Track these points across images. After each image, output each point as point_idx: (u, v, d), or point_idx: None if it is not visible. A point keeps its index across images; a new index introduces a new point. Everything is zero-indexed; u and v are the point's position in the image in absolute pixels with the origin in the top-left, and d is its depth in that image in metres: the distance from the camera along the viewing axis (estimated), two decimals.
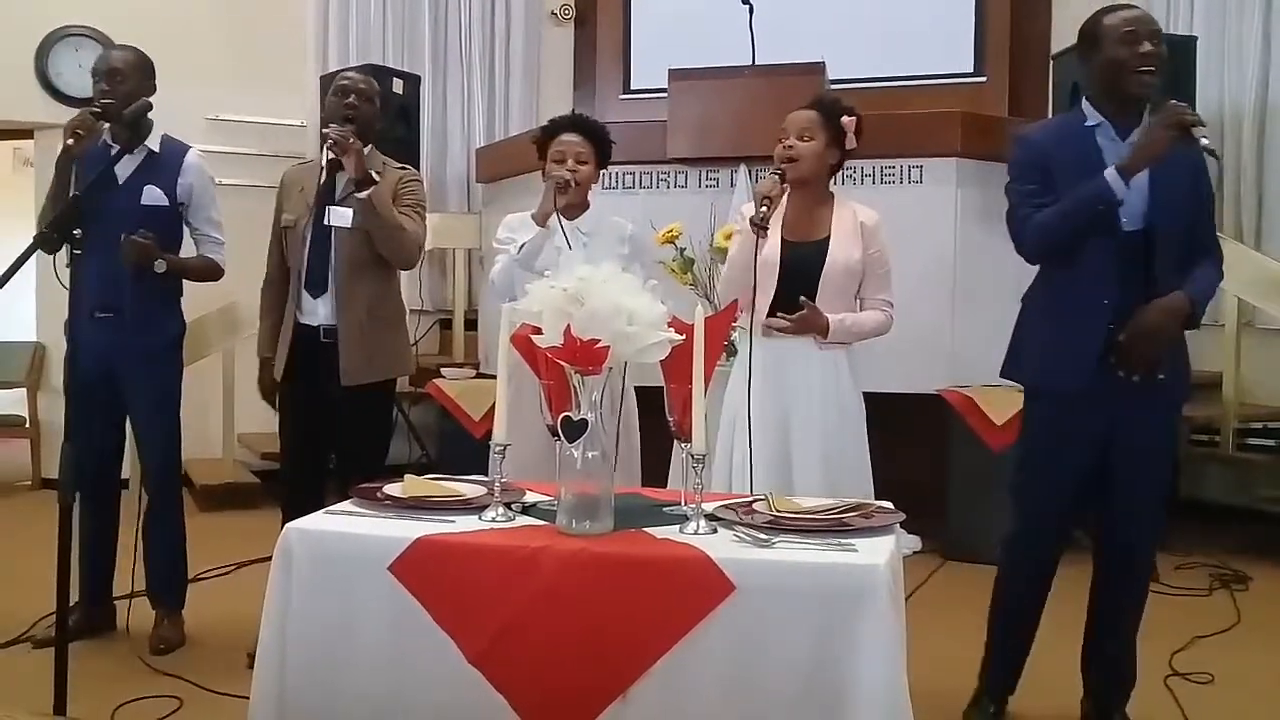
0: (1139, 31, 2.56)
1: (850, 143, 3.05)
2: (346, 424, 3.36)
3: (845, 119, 3.03)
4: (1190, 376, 2.74)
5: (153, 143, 3.36)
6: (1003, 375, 2.83)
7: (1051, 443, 2.71)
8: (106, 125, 3.26)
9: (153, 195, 3.37)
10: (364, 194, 3.20)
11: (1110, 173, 2.52)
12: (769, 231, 2.95)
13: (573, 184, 3.20)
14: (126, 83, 3.31)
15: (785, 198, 3.01)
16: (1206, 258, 2.65)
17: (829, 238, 3.01)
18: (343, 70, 3.54)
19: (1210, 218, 2.71)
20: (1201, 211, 2.65)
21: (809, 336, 2.99)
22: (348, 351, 3.29)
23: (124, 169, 3.32)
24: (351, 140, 3.19)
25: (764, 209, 2.89)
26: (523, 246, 3.16)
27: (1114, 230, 2.57)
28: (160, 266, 3.30)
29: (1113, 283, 2.59)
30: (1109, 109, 2.62)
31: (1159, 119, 2.52)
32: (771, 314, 3.00)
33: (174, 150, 3.43)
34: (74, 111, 3.33)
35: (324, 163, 3.38)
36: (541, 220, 3.18)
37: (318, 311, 3.33)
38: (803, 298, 2.95)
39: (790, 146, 3.00)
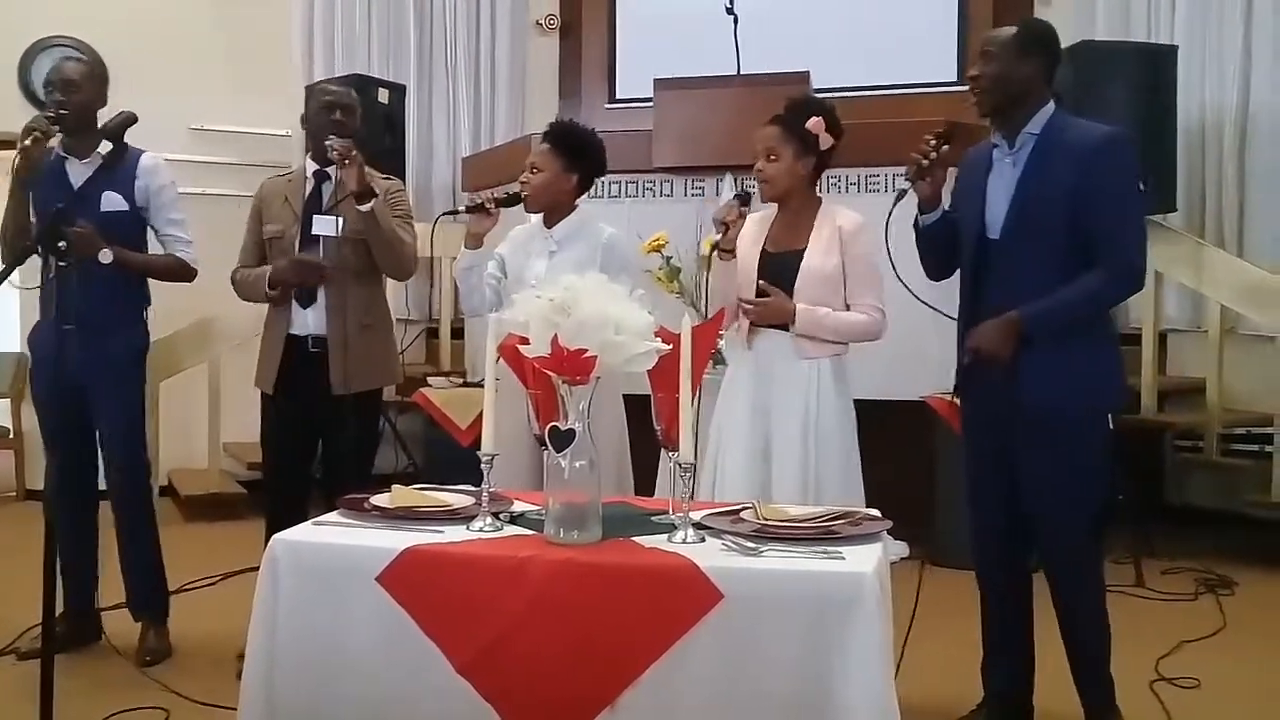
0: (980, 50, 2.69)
1: (825, 142, 2.98)
2: (333, 433, 3.35)
3: (811, 122, 2.95)
4: (1096, 395, 2.66)
5: (104, 149, 3.32)
6: None
7: (967, 451, 2.82)
8: (59, 134, 3.27)
9: (111, 201, 3.35)
10: (366, 207, 3.20)
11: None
12: (745, 246, 2.98)
13: (491, 206, 3.22)
14: (80, 92, 3.33)
15: (750, 216, 3.01)
16: (1101, 263, 2.56)
17: (806, 247, 3.01)
18: (322, 82, 3.53)
19: (1116, 215, 2.56)
20: (1092, 210, 2.55)
21: (788, 336, 2.97)
22: (336, 361, 3.29)
23: (79, 177, 3.32)
24: (355, 153, 3.20)
25: (722, 234, 2.92)
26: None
27: (973, 240, 2.67)
28: (106, 256, 3.23)
29: (968, 292, 2.71)
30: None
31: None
32: (752, 326, 3.00)
33: (128, 154, 3.35)
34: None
35: (309, 173, 3.38)
36: (468, 242, 3.23)
37: (307, 322, 3.33)
38: (763, 284, 2.94)
39: (759, 169, 2.99)
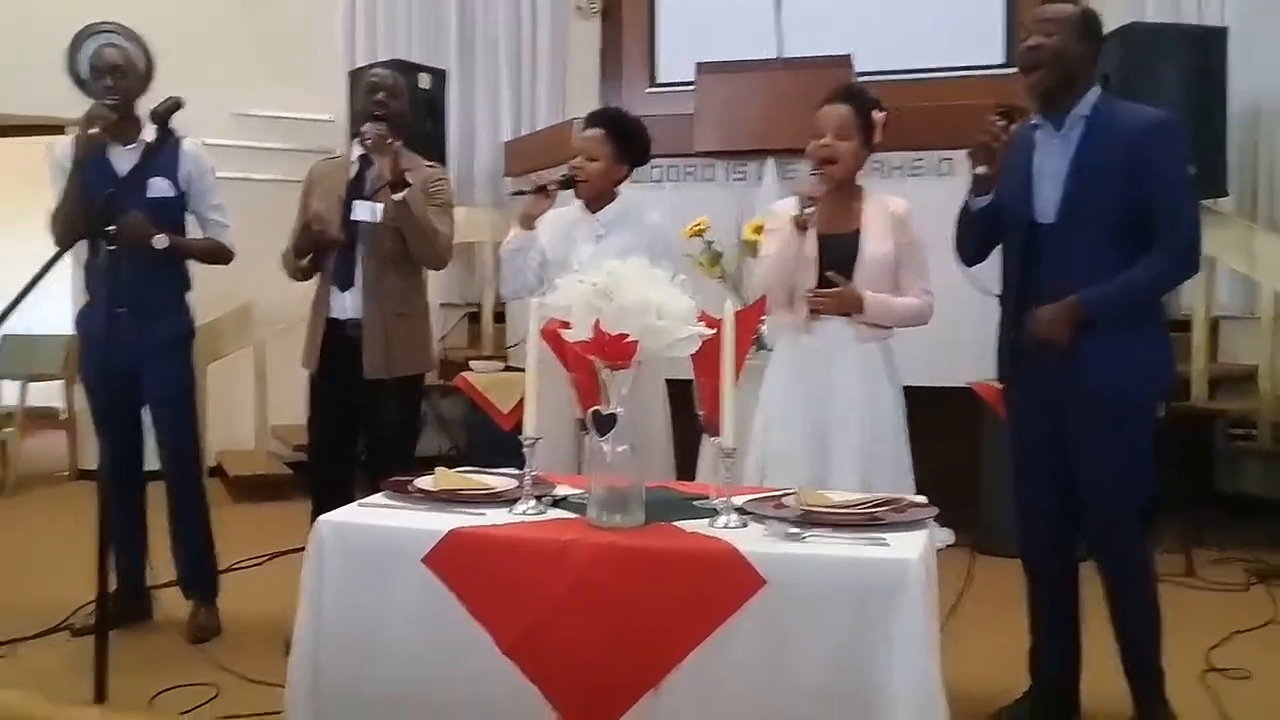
0: (1026, 26, 2.64)
1: (878, 137, 3.01)
2: (372, 418, 3.38)
3: (877, 114, 2.98)
4: (1154, 381, 2.64)
5: (148, 135, 3.35)
6: None
7: (1016, 436, 2.79)
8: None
9: (159, 187, 3.40)
10: (399, 196, 3.21)
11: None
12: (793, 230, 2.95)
13: (558, 184, 3.23)
14: (127, 78, 3.39)
15: (790, 201, 3.00)
16: (1160, 245, 2.52)
17: (860, 230, 2.99)
18: (371, 66, 3.56)
19: (1171, 198, 2.52)
20: (1147, 193, 2.51)
21: (847, 321, 2.96)
22: (370, 346, 3.31)
23: (124, 164, 3.35)
24: (389, 141, 3.22)
25: (810, 209, 2.87)
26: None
27: (1021, 225, 2.64)
28: (161, 242, 3.31)
29: (1014, 278, 2.68)
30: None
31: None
32: (813, 314, 2.99)
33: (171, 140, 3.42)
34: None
35: (354, 158, 3.40)
36: (521, 221, 3.25)
37: (345, 306, 3.36)
38: (832, 274, 2.91)
39: (828, 145, 2.95)
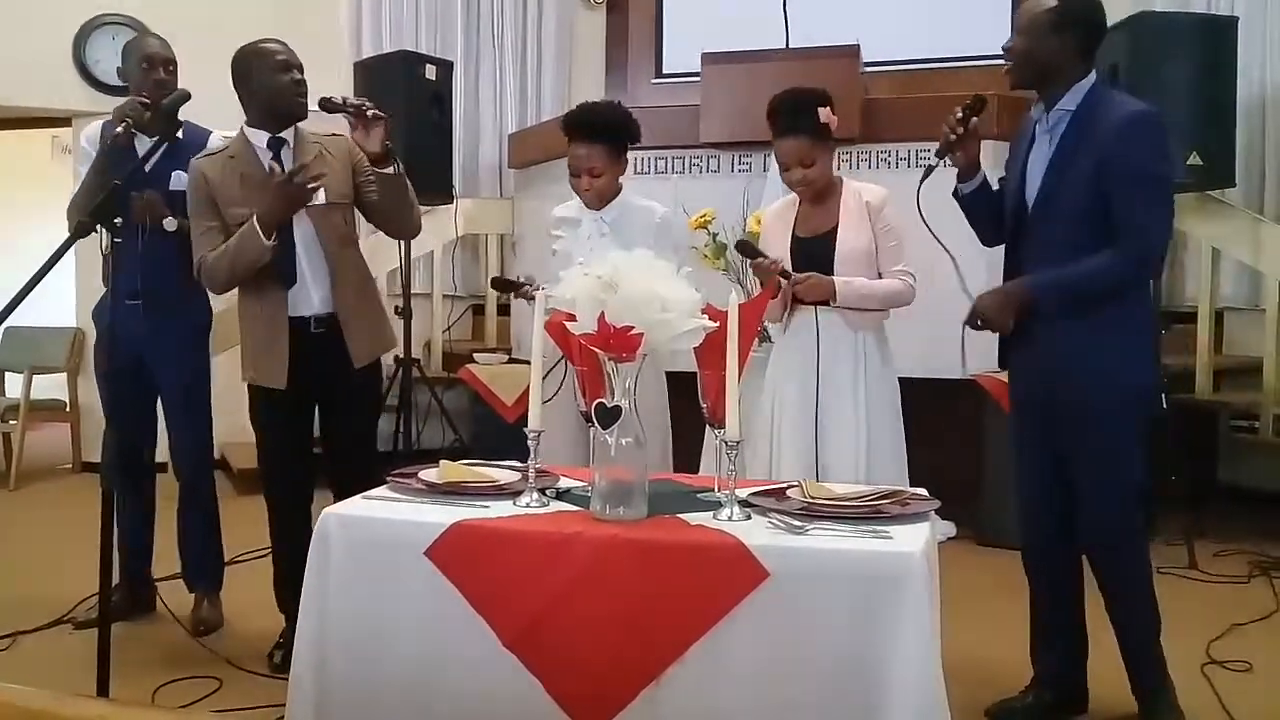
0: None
1: (835, 128, 3.03)
2: (343, 412, 3.20)
3: (823, 114, 2.99)
4: (1134, 376, 2.62)
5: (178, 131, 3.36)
6: None
7: (1012, 427, 2.83)
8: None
9: (181, 180, 3.38)
10: (391, 169, 3.02)
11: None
12: (775, 233, 3.11)
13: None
14: (175, 74, 3.39)
15: (773, 205, 3.15)
16: (1117, 243, 2.51)
17: (836, 226, 3.02)
18: (261, 44, 3.13)
19: (1133, 197, 2.50)
20: (1112, 189, 2.50)
21: (836, 311, 3.00)
22: (356, 334, 3.11)
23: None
24: (377, 113, 2.97)
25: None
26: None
27: (1013, 212, 2.68)
28: (171, 224, 3.29)
29: (1008, 263, 2.73)
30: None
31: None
32: (792, 304, 3.04)
33: (195, 135, 3.41)
34: (113, 100, 3.37)
35: (262, 144, 3.08)
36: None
37: (311, 301, 3.06)
38: (795, 274, 2.99)
39: (802, 178, 3.02)
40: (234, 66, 3.09)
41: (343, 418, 3.20)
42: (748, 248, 3.12)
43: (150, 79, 3.38)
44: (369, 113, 2.97)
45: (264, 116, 3.08)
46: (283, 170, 3.00)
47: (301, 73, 3.11)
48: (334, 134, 3.20)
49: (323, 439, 3.25)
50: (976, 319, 2.63)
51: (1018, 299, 2.61)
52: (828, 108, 2.99)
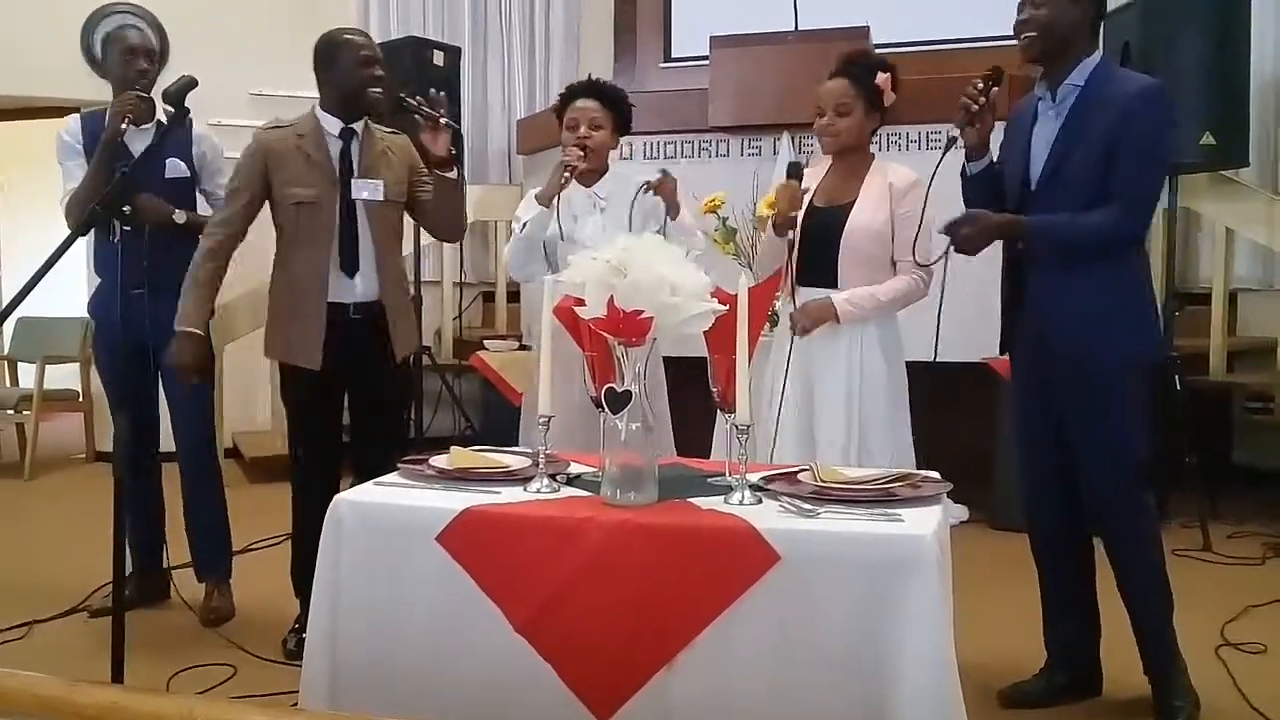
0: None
1: (889, 99, 2.99)
2: (379, 402, 3.25)
3: (880, 78, 2.96)
4: (1135, 346, 2.62)
5: (161, 116, 3.37)
6: None
7: (1016, 407, 2.83)
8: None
9: (176, 168, 3.43)
10: (454, 173, 3.13)
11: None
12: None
13: (585, 153, 3.19)
14: (158, 60, 3.41)
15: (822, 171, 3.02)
16: (1114, 198, 2.53)
17: (855, 201, 2.98)
18: (345, 33, 3.19)
19: (1134, 164, 2.52)
20: (1118, 159, 2.52)
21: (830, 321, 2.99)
22: (401, 327, 3.22)
23: (139, 145, 3.35)
24: (445, 121, 3.03)
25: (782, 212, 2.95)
26: (525, 225, 3.21)
27: (1015, 191, 2.67)
28: (180, 217, 3.36)
29: (1009, 242, 2.72)
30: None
31: None
32: (798, 276, 3.00)
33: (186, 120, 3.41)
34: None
35: (334, 132, 3.13)
36: (545, 200, 3.18)
37: (354, 289, 3.12)
38: (795, 311, 2.98)
39: (829, 124, 2.97)
40: (317, 52, 3.16)
41: (376, 408, 3.25)
42: (797, 169, 3.04)
43: (132, 69, 3.39)
44: (443, 121, 3.03)
45: (339, 106, 3.13)
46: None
47: (383, 68, 3.17)
48: (393, 130, 3.29)
49: (353, 429, 3.30)
50: (957, 230, 2.62)
51: (1002, 226, 2.61)
52: (889, 75, 2.97)
